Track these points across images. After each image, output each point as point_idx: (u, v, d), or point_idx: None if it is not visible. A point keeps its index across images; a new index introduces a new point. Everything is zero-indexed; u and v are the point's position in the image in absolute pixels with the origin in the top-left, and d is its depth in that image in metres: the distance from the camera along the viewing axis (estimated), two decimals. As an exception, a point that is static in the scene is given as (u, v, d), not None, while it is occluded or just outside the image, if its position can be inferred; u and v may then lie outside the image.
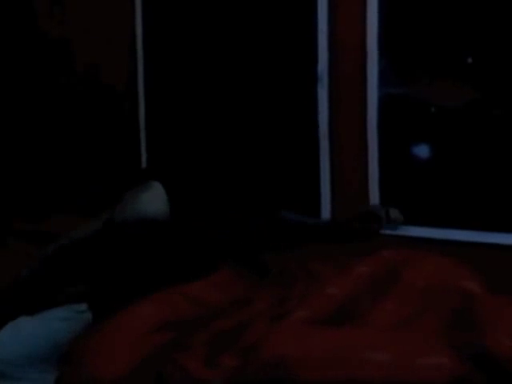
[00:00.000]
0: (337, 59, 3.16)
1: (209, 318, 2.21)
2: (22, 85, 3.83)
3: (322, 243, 2.67)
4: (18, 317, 2.37)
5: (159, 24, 3.57)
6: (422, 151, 3.03)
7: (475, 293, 2.23)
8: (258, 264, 2.46)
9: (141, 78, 3.61)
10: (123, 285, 2.39)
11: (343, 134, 3.17)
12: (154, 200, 2.37)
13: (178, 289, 2.27)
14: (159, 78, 3.59)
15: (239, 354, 2.06)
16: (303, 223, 2.73)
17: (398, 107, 3.05)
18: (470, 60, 2.90)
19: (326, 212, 3.21)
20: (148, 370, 2.08)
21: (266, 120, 3.32)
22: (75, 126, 3.77)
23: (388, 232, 3.03)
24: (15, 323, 2.36)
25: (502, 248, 2.91)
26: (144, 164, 3.59)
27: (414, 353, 1.99)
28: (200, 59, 3.47)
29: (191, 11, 3.48)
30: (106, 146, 3.70)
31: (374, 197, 3.10)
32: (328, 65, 3.16)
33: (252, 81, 3.34)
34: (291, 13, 3.24)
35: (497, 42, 2.87)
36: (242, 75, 3.36)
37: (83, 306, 2.39)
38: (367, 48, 3.07)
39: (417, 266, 2.30)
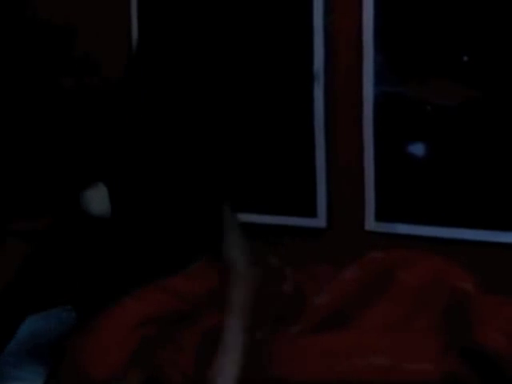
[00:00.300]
0: (333, 57, 3.16)
1: (194, 312, 2.21)
2: (19, 83, 3.83)
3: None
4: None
5: (155, 20, 3.57)
6: (418, 149, 3.02)
7: (469, 292, 2.23)
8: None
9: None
10: (104, 284, 2.39)
11: (339, 132, 3.17)
12: (96, 199, 2.38)
13: (158, 284, 2.27)
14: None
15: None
16: None
17: (393, 105, 3.05)
18: (465, 58, 2.90)
19: (321, 210, 3.21)
20: (138, 364, 2.09)
21: (262, 118, 3.32)
22: (75, 127, 3.77)
23: (383, 230, 3.05)
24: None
25: (500, 247, 2.91)
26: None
27: (409, 354, 2.01)
28: (195, 57, 3.46)
29: (187, 8, 3.48)
30: (105, 146, 3.70)
31: (370, 194, 3.11)
32: (324, 63, 3.16)
33: (247, 79, 3.34)
34: (287, 10, 3.24)
35: (493, 40, 2.86)
36: (238, 74, 3.36)
37: (67, 306, 2.40)
38: (363, 46, 3.06)
39: (410, 266, 2.30)
